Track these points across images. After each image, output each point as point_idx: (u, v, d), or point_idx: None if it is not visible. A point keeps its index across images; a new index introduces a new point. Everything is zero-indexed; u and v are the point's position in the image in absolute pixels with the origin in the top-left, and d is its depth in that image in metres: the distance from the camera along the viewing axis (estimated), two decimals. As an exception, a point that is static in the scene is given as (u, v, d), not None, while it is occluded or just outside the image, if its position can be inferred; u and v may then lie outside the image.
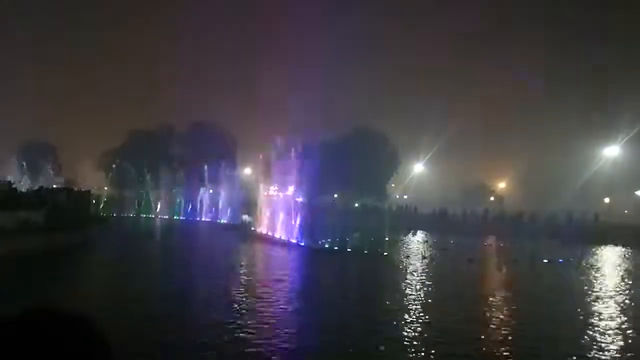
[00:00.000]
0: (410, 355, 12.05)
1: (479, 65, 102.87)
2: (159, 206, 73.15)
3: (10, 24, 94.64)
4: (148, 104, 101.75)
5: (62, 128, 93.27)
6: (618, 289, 23.09)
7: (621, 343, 13.77)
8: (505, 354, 12.46)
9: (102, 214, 59.52)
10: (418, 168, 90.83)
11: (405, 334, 13.83)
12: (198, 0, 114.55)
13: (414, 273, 25.63)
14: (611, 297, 20.79)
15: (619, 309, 18.42)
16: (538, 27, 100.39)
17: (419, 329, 14.39)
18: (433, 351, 12.26)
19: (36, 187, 42.13)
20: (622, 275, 28.39)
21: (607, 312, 17.65)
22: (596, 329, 15.06)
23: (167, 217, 69.66)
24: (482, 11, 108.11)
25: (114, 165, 78.04)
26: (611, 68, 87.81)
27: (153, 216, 69.83)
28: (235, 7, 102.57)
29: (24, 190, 39.69)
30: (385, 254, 33.88)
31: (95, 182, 77.26)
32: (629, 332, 14.88)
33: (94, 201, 54.47)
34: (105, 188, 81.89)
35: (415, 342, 13.01)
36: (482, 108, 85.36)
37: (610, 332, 14.82)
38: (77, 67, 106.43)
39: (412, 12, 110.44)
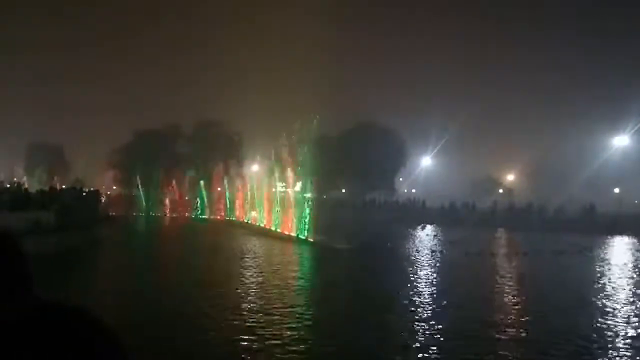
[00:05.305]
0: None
1: (485, 57, 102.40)
2: (167, 205, 73.50)
3: (11, 25, 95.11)
4: (153, 104, 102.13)
5: (69, 128, 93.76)
6: (629, 281, 22.89)
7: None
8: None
9: (111, 213, 59.85)
10: (426, 162, 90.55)
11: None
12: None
13: (423, 267, 25.55)
14: (623, 289, 20.60)
15: (630, 300, 18.21)
16: (542, 21, 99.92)
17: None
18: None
19: (45, 188, 42.38)
20: (632, 267, 28.10)
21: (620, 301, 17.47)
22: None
23: (175, 215, 70.02)
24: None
25: (121, 165, 78.38)
26: (619, 57, 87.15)
27: (162, 215, 70.13)
28: (238, 5, 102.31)
29: (33, 190, 39.88)
30: (394, 248, 33.83)
31: (103, 181, 77.88)
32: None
33: (102, 200, 54.80)
34: (114, 187, 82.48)
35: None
36: (488, 101, 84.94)
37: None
38: (82, 67, 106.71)
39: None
